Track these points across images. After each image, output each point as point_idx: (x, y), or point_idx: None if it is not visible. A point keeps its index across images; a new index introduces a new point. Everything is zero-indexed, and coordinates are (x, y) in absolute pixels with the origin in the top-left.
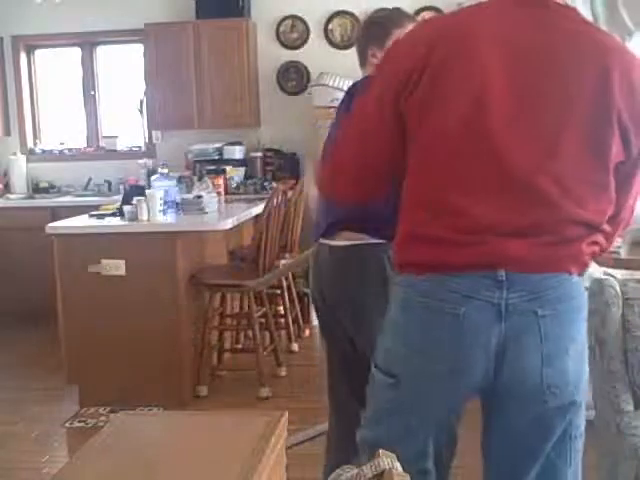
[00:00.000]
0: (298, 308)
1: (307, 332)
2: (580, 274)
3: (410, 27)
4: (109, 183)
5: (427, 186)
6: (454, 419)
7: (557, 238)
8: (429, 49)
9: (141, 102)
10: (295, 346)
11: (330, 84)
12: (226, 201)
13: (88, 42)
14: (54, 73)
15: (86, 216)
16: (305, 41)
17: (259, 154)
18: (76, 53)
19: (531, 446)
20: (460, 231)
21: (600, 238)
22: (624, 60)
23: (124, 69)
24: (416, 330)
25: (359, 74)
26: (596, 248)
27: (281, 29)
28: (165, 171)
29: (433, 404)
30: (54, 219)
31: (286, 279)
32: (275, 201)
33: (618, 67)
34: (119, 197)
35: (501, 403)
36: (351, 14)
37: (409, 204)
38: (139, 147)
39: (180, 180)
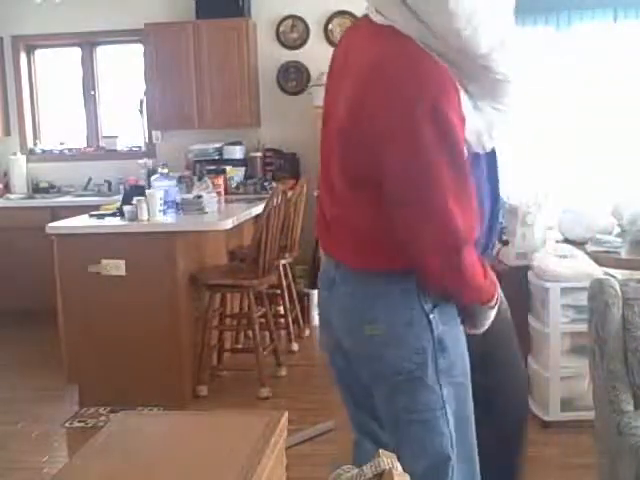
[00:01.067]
0: (298, 308)
1: (307, 332)
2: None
3: None
4: (109, 183)
5: None
6: None
7: None
8: None
9: (141, 102)
10: (295, 346)
11: None
12: (226, 201)
13: (88, 42)
14: (54, 73)
15: (86, 216)
16: (305, 41)
17: (259, 154)
18: (76, 53)
19: None
20: None
21: None
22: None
23: (124, 69)
24: None
25: None
26: None
27: (281, 29)
28: (165, 171)
29: None
30: (54, 219)
31: (286, 279)
32: (275, 201)
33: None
34: (119, 197)
35: None
36: (351, 14)
37: None
38: (139, 147)
39: (180, 180)
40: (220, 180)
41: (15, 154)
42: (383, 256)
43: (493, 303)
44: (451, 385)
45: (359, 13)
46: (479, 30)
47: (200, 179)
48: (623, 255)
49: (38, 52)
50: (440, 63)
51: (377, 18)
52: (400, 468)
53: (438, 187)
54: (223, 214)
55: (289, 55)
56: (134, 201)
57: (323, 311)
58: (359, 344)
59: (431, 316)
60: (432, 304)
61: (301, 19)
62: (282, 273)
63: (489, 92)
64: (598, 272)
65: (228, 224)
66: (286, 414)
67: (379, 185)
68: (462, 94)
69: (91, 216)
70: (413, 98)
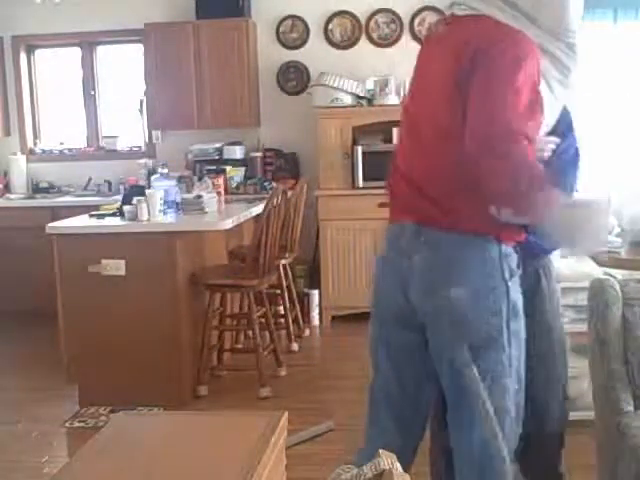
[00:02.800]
0: (298, 308)
1: (307, 332)
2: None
3: None
4: (109, 183)
5: None
6: None
7: None
8: None
9: (141, 102)
10: (295, 346)
11: (330, 84)
12: (226, 201)
13: (88, 42)
14: (54, 73)
15: (86, 216)
16: (305, 41)
17: (259, 154)
18: (76, 53)
19: None
20: None
21: None
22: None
23: (124, 69)
24: None
25: (359, 74)
26: None
27: (281, 29)
28: (165, 171)
29: None
30: (54, 219)
31: (286, 279)
32: (275, 201)
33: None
34: (119, 197)
35: None
36: (351, 14)
37: None
38: (139, 147)
39: (180, 180)
40: (220, 180)
41: (15, 154)
42: (474, 218)
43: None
44: (517, 346)
45: (359, 13)
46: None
47: (200, 179)
48: (623, 255)
49: (38, 52)
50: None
51: (465, 12)
52: (400, 468)
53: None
54: (223, 214)
55: (289, 55)
56: (134, 201)
57: (393, 280)
58: (442, 306)
59: (509, 283)
60: (509, 273)
61: (301, 19)
62: (282, 273)
63: (561, 69)
64: (598, 272)
65: (228, 224)
66: (286, 414)
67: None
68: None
69: (91, 216)
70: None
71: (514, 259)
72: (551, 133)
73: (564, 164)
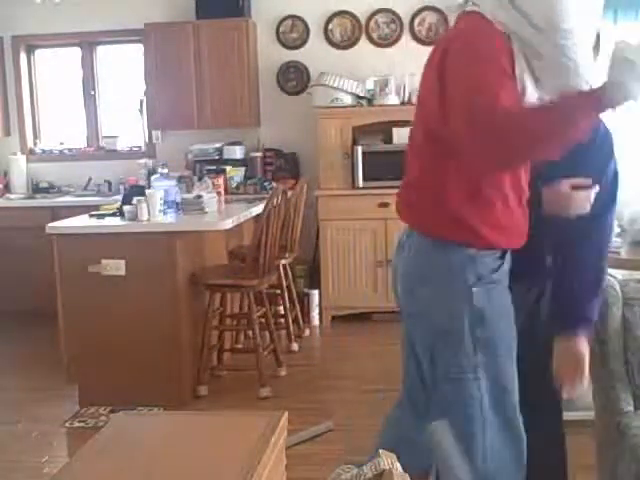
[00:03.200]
0: (298, 308)
1: (307, 332)
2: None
3: None
4: (109, 183)
5: None
6: None
7: None
8: None
9: (141, 102)
10: (295, 346)
11: (330, 84)
12: (226, 201)
13: (88, 42)
14: (54, 73)
15: (86, 216)
16: (305, 41)
17: (259, 154)
18: (76, 53)
19: None
20: None
21: None
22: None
23: (124, 69)
24: None
25: (358, 74)
26: None
27: (281, 29)
28: (165, 171)
29: None
30: (54, 219)
31: (286, 279)
32: (275, 201)
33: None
34: (119, 197)
35: None
36: (351, 14)
37: None
38: (139, 147)
39: (180, 180)
40: (220, 180)
41: (15, 154)
42: (440, 224)
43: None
44: (488, 354)
45: (359, 13)
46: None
47: (200, 179)
48: (623, 255)
49: (38, 52)
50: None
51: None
52: (400, 468)
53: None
54: (223, 214)
55: (289, 55)
56: (134, 201)
57: (392, 277)
58: (411, 303)
59: (474, 289)
60: (476, 278)
61: (301, 19)
62: (282, 273)
63: (552, 72)
64: None
65: (228, 224)
66: (286, 414)
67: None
68: (523, 65)
69: (91, 216)
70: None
71: (485, 265)
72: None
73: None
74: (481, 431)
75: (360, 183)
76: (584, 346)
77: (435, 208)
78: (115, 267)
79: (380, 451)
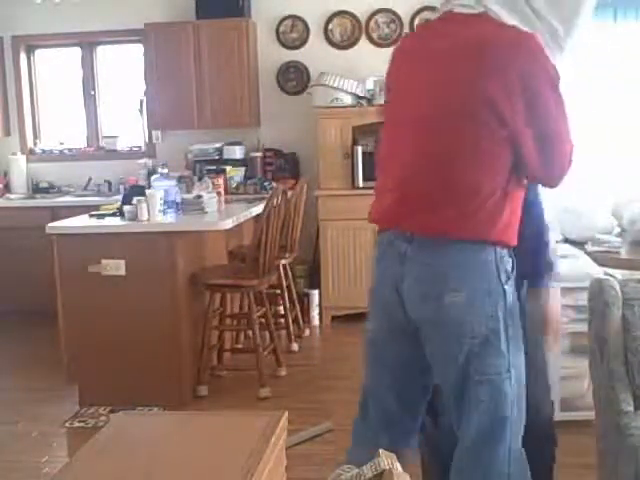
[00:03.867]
0: (298, 308)
1: (307, 332)
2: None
3: None
4: (109, 183)
5: None
6: None
7: None
8: None
9: (141, 102)
10: (295, 346)
11: (330, 84)
12: (226, 201)
13: (88, 42)
14: (54, 73)
15: (86, 216)
16: (305, 41)
17: (259, 154)
18: (76, 53)
19: None
20: None
21: None
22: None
23: (124, 69)
24: None
25: (359, 74)
26: None
27: (281, 29)
28: (165, 171)
29: None
30: (54, 219)
31: (286, 279)
32: (275, 201)
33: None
34: (119, 197)
35: None
36: (351, 14)
37: None
38: (139, 147)
39: (180, 180)
40: (220, 180)
41: (15, 154)
42: (467, 225)
43: None
44: (517, 352)
45: (359, 13)
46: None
47: (200, 179)
48: (623, 255)
49: (38, 52)
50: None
51: (465, 10)
52: (400, 468)
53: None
54: (223, 214)
55: (289, 55)
56: (134, 201)
57: (386, 286)
58: (439, 311)
59: (506, 287)
60: (506, 276)
61: (301, 19)
62: (282, 273)
63: None
64: (598, 272)
65: (228, 224)
66: (286, 414)
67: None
68: None
69: (91, 216)
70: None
71: (509, 262)
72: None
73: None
74: (509, 432)
75: (360, 183)
76: (552, 297)
77: (461, 209)
78: (115, 267)
79: (380, 451)
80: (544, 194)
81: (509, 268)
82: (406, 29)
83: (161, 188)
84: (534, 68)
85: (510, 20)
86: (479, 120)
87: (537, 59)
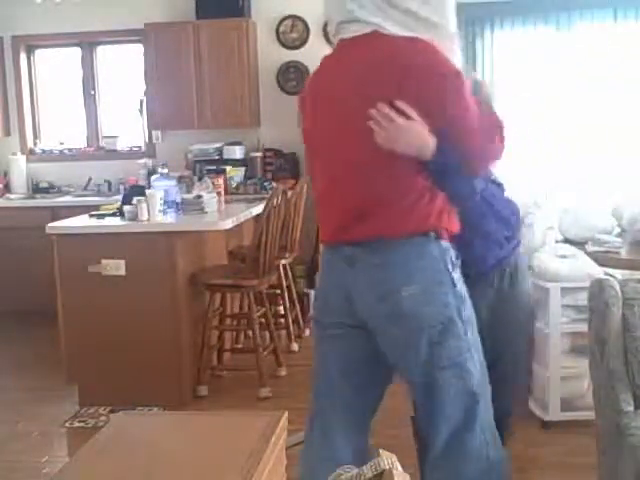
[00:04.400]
0: (298, 308)
1: (307, 332)
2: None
3: None
4: (109, 183)
5: None
6: None
7: None
8: None
9: (141, 102)
10: (295, 346)
11: None
12: (226, 201)
13: (88, 42)
14: (54, 73)
15: (86, 216)
16: (305, 41)
17: (259, 154)
18: (76, 53)
19: None
20: None
21: None
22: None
23: (124, 69)
24: None
25: None
26: None
27: (281, 29)
28: (165, 171)
29: None
30: (54, 219)
31: (286, 279)
32: (275, 201)
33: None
34: (119, 197)
35: None
36: None
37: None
38: (139, 147)
39: (180, 180)
40: (220, 180)
41: (15, 154)
42: (412, 221)
43: None
44: (472, 332)
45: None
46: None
47: (200, 179)
48: (623, 255)
49: (38, 52)
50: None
51: (355, 28)
52: (400, 467)
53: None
54: (223, 214)
55: (289, 55)
56: (134, 201)
57: (336, 289)
58: (396, 306)
59: (454, 275)
60: (452, 265)
61: (301, 19)
62: (282, 273)
63: None
64: (598, 272)
65: (228, 224)
66: (286, 414)
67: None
68: None
69: (91, 216)
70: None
71: (452, 250)
72: None
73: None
74: (483, 406)
75: None
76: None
77: (410, 208)
78: (115, 267)
79: (380, 451)
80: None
81: (453, 257)
82: None
83: (161, 188)
84: (431, 75)
85: (400, 31)
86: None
87: (433, 65)
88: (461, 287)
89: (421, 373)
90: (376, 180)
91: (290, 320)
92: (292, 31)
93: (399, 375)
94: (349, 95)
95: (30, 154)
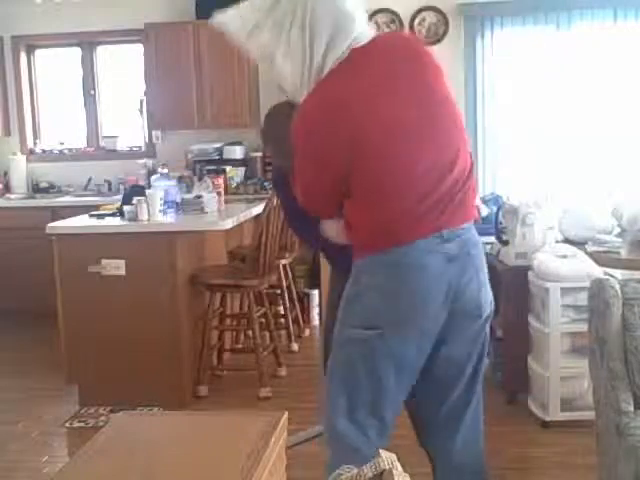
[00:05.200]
0: (298, 308)
1: (307, 332)
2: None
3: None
4: (109, 183)
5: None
6: None
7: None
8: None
9: (141, 102)
10: (295, 346)
11: None
12: (226, 201)
13: (88, 42)
14: (54, 73)
15: (86, 216)
16: None
17: (259, 154)
18: (76, 53)
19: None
20: None
21: None
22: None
23: (124, 69)
24: None
25: None
26: None
27: None
28: (165, 171)
29: None
30: (54, 219)
31: (286, 279)
32: (275, 201)
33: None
34: (119, 197)
35: None
36: None
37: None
38: (139, 147)
39: (180, 180)
40: (220, 180)
41: (15, 154)
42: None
43: None
44: None
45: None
46: None
47: (200, 179)
48: (623, 255)
49: (38, 52)
50: None
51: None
52: (400, 467)
53: None
54: (223, 214)
55: None
56: (134, 201)
57: (437, 294)
58: (487, 294)
59: None
60: None
61: None
62: (282, 273)
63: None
64: (598, 272)
65: (228, 224)
66: (286, 414)
67: None
68: None
69: (91, 216)
70: None
71: None
72: None
73: None
74: None
75: None
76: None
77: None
78: (115, 267)
79: (380, 451)
80: None
81: None
82: (406, 29)
83: (161, 188)
84: None
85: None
86: None
87: None
88: None
89: (475, 361)
90: (466, 155)
91: (290, 320)
92: None
93: (445, 372)
94: (405, 78)
95: (30, 154)
